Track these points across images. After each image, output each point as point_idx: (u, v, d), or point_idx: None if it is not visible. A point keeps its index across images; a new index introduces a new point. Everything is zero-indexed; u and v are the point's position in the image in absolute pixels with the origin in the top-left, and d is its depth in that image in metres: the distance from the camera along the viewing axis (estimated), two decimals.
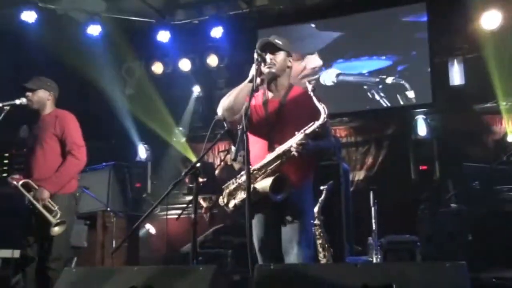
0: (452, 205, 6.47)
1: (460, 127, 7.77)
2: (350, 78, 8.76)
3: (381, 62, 8.59)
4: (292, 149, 3.29)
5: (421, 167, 7.97)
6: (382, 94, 8.51)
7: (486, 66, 7.52)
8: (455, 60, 8.16)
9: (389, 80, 8.49)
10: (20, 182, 4.45)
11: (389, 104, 8.50)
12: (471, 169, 6.78)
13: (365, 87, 8.65)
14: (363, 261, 5.67)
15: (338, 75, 8.80)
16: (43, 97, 4.70)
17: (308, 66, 8.89)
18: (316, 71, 8.90)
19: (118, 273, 2.79)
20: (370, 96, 8.58)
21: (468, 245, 5.87)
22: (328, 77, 8.85)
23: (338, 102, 8.41)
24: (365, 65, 8.67)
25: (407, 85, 8.38)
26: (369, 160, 8.50)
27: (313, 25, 8.98)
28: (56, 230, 4.31)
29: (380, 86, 8.55)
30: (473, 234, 5.91)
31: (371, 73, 8.62)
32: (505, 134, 7.57)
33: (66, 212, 4.47)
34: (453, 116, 7.93)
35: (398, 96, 8.43)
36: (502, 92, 7.66)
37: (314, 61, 8.93)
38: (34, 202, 4.35)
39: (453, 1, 7.93)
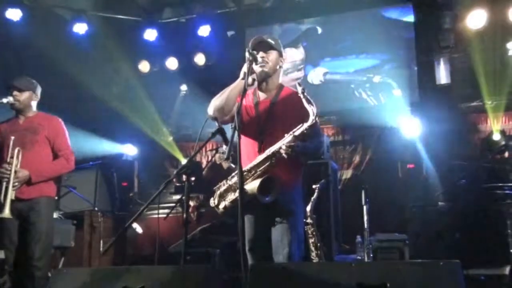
0: (440, 203, 6.51)
1: (446, 125, 7.81)
2: (338, 77, 8.77)
3: (368, 61, 8.62)
4: (282, 151, 3.29)
5: (408, 166, 8.00)
6: (369, 93, 8.54)
7: (472, 65, 7.58)
8: (442, 59, 8.22)
9: (376, 79, 8.52)
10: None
11: (376, 103, 8.53)
12: (458, 167, 6.84)
13: (352, 85, 8.67)
14: (352, 259, 5.69)
15: (325, 73, 8.82)
16: (30, 99, 4.66)
17: (287, 60, 8.87)
18: (297, 65, 8.89)
19: (110, 273, 2.76)
20: (358, 94, 8.61)
21: (456, 243, 5.91)
22: (316, 76, 8.86)
23: (326, 101, 8.42)
24: (352, 64, 8.69)
25: (394, 84, 8.42)
26: (357, 159, 8.53)
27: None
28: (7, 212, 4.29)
29: (367, 85, 8.57)
30: (461, 232, 5.95)
31: (358, 72, 8.65)
32: (491, 133, 7.63)
33: (50, 213, 4.57)
34: (440, 115, 7.96)
35: (385, 94, 8.47)
36: (487, 91, 7.73)
37: (293, 54, 8.93)
38: (11, 175, 4.31)
39: (439, 1, 7.98)
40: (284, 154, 3.28)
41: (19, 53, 8.16)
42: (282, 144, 3.31)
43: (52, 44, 8.11)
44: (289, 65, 8.86)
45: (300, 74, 8.86)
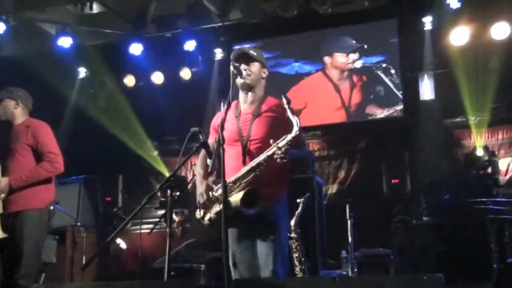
0: (424, 218, 6.53)
1: (430, 141, 7.87)
2: None
3: None
4: (276, 156, 3.27)
5: (393, 181, 8.04)
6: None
7: (455, 81, 7.66)
8: (425, 75, 8.29)
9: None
10: None
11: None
12: (442, 183, 6.87)
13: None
14: (337, 274, 5.67)
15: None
16: (9, 106, 4.57)
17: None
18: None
19: None
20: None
21: (440, 258, 5.92)
22: None
23: (311, 116, 8.45)
24: None
25: (379, 102, 8.48)
26: (342, 174, 8.54)
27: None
28: None
29: None
30: (444, 247, 5.97)
31: None
32: (474, 148, 7.69)
33: (37, 227, 4.37)
34: (424, 130, 8.02)
35: (370, 110, 8.52)
36: (470, 107, 7.80)
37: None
38: None
39: (423, 17, 8.08)
40: (278, 160, 3.27)
41: (3, 66, 8.11)
42: (266, 155, 3.30)
43: (36, 57, 8.07)
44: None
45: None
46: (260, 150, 3.40)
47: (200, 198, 3.51)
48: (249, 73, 3.59)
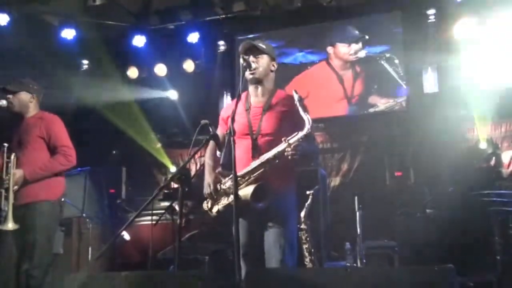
0: (428, 210, 6.55)
1: (434, 134, 7.88)
2: None
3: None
4: (287, 153, 3.28)
5: (396, 173, 8.05)
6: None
7: (459, 74, 7.66)
8: (429, 68, 8.29)
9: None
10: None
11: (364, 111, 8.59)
12: (445, 175, 6.89)
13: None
14: (342, 266, 5.70)
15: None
16: (25, 100, 4.61)
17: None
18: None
19: (108, 279, 2.75)
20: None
21: (443, 250, 5.94)
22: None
23: (314, 108, 8.44)
24: None
25: (382, 92, 8.48)
26: (345, 166, 8.55)
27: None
28: (10, 226, 4.23)
29: None
30: (448, 239, 5.99)
31: None
32: (478, 141, 7.71)
33: (49, 219, 4.41)
34: (427, 123, 8.03)
35: (372, 100, 8.53)
36: (474, 100, 7.80)
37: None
38: (11, 183, 4.25)
39: (426, 10, 8.07)
40: (289, 157, 3.28)
41: (6, 58, 8.09)
42: (277, 151, 3.32)
43: (39, 49, 8.06)
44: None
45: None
46: (270, 144, 3.42)
47: (207, 189, 3.53)
48: (258, 66, 3.60)
